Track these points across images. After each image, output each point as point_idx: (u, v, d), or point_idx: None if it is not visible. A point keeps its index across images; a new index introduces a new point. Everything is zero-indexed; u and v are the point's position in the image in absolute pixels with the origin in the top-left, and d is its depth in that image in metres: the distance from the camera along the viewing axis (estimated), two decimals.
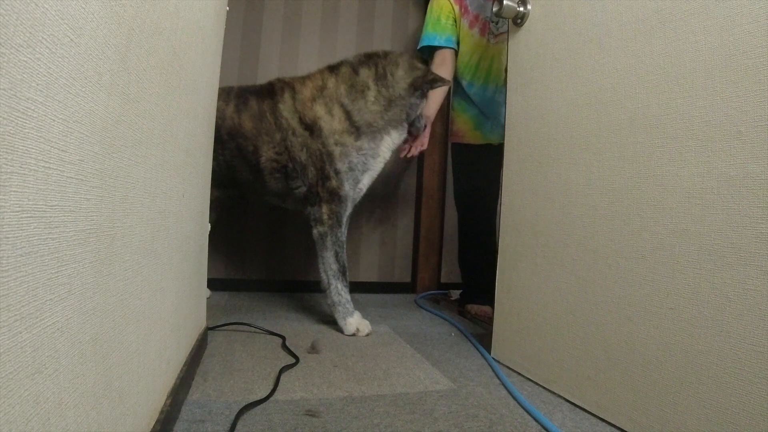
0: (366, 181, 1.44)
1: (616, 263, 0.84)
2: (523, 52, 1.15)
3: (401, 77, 1.39)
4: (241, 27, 1.92)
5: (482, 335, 1.38)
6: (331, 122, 1.35)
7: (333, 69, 1.42)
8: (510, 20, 1.17)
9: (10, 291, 0.26)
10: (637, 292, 0.80)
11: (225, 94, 1.42)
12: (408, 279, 2.19)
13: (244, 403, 0.80)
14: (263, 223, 1.97)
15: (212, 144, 1.13)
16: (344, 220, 1.41)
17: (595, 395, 0.87)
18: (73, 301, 0.34)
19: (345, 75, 1.39)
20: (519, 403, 0.91)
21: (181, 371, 0.79)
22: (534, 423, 0.82)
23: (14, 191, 0.26)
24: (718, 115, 0.68)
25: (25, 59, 0.26)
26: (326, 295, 1.38)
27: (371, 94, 1.37)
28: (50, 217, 0.30)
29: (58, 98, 0.30)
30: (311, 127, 1.35)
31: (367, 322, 1.38)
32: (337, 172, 1.36)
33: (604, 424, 0.83)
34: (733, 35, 0.67)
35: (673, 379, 0.72)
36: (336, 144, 1.35)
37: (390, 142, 1.43)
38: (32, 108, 0.27)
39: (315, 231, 1.39)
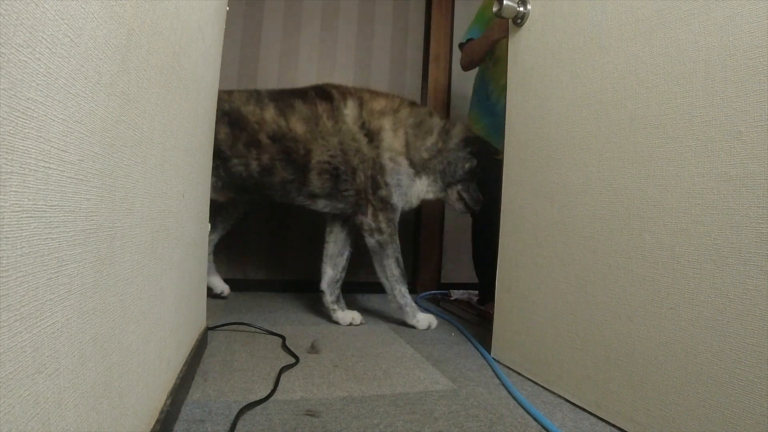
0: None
1: (616, 263, 0.84)
2: (523, 52, 1.15)
3: (456, 134, 1.50)
4: (241, 27, 1.92)
5: (482, 335, 1.38)
6: (393, 140, 1.42)
7: (412, 103, 1.51)
8: (510, 20, 1.18)
9: (10, 291, 0.26)
10: (637, 292, 0.79)
11: (255, 98, 1.42)
12: (408, 279, 2.19)
13: (244, 403, 0.80)
14: (264, 223, 1.97)
15: (212, 144, 1.13)
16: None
17: (595, 395, 0.87)
18: (73, 301, 0.34)
19: (421, 112, 1.48)
20: (519, 403, 0.91)
21: (181, 371, 0.79)
22: (534, 423, 0.82)
23: (14, 191, 0.26)
24: (718, 115, 0.68)
25: (25, 59, 0.26)
26: (390, 300, 1.47)
27: (430, 140, 1.47)
28: (50, 217, 0.30)
29: (58, 98, 0.30)
30: (371, 135, 1.41)
31: (432, 316, 1.50)
32: (386, 184, 1.42)
33: (604, 424, 0.83)
34: (733, 35, 0.67)
35: (673, 379, 0.72)
36: (390, 160, 1.42)
37: (418, 187, 1.49)
38: (32, 108, 0.27)
39: (372, 240, 1.44)
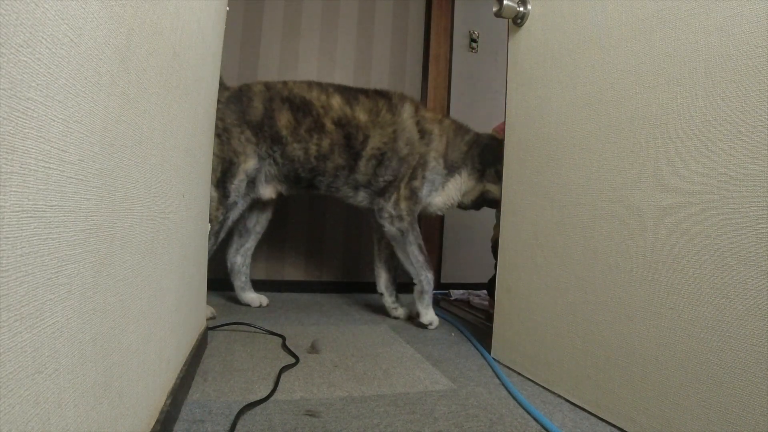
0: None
1: (616, 263, 0.84)
2: (523, 52, 1.15)
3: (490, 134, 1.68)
4: (241, 27, 1.92)
5: (482, 335, 1.38)
6: (439, 142, 1.56)
7: (453, 119, 1.65)
8: (510, 20, 1.17)
9: (10, 291, 0.26)
10: (637, 292, 0.79)
11: (317, 86, 1.52)
12: (408, 279, 2.19)
13: (244, 403, 0.80)
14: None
15: (212, 144, 1.13)
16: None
17: (595, 395, 0.87)
18: (73, 301, 0.34)
19: (458, 122, 1.63)
20: (519, 403, 0.90)
21: (181, 371, 0.79)
22: (534, 423, 0.82)
23: (14, 191, 0.26)
24: (718, 115, 0.68)
25: (25, 59, 0.26)
26: (415, 284, 1.50)
27: (467, 137, 1.59)
28: (50, 217, 0.30)
29: (58, 98, 0.30)
30: (423, 133, 1.53)
31: (437, 318, 1.52)
32: (423, 177, 1.52)
33: (604, 424, 0.83)
34: (733, 35, 0.67)
35: (673, 379, 0.72)
36: (434, 159, 1.53)
37: (458, 182, 1.58)
38: (32, 108, 0.27)
39: (393, 228, 1.49)
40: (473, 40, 2.29)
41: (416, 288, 1.50)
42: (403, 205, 1.48)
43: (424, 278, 1.48)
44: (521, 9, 1.13)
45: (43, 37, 0.28)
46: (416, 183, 1.50)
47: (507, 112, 1.20)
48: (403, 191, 1.49)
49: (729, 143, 0.66)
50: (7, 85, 0.25)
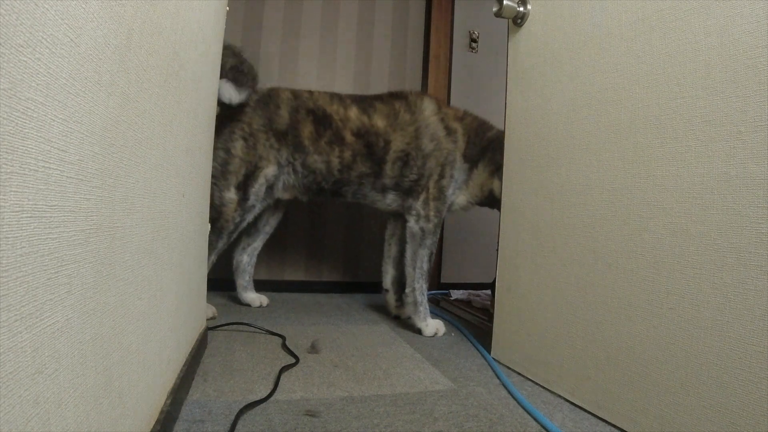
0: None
1: (616, 263, 0.84)
2: (523, 52, 1.15)
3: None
4: (241, 27, 1.92)
5: (482, 335, 1.38)
6: (462, 140, 1.55)
7: (474, 115, 1.63)
8: (510, 20, 1.17)
9: (10, 291, 0.26)
10: (637, 292, 0.80)
11: (337, 99, 1.54)
12: None
13: (244, 403, 0.80)
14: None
15: (212, 144, 1.13)
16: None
17: (595, 395, 0.87)
18: (73, 301, 0.34)
19: (479, 118, 1.61)
20: (519, 403, 0.90)
21: (181, 371, 0.79)
22: (534, 423, 0.82)
23: (14, 191, 0.26)
24: (718, 115, 0.68)
25: (25, 59, 0.26)
26: (407, 293, 1.46)
27: (489, 133, 1.58)
28: (50, 217, 0.30)
29: (58, 98, 0.30)
30: (449, 130, 1.53)
31: (441, 322, 1.44)
32: (451, 176, 1.51)
33: (604, 424, 0.83)
34: (733, 35, 0.67)
35: (673, 379, 0.72)
36: (460, 157, 1.54)
37: (477, 173, 1.57)
38: (32, 108, 0.27)
39: (416, 226, 1.47)
40: (473, 40, 2.29)
41: (409, 300, 1.45)
42: (432, 204, 1.47)
43: (419, 287, 1.44)
44: (521, 9, 1.13)
45: (43, 37, 0.28)
46: (444, 182, 1.49)
47: (507, 112, 1.20)
48: (432, 191, 1.48)
49: (729, 143, 0.66)
50: (7, 85, 0.25)
